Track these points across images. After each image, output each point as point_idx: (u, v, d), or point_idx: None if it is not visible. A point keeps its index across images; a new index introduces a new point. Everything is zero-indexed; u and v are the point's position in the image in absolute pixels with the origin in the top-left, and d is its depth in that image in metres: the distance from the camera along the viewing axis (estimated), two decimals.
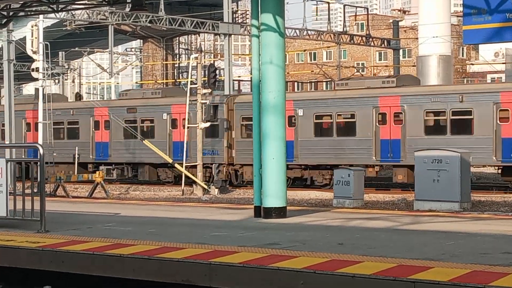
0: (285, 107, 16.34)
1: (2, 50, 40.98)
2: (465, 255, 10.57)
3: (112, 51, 51.67)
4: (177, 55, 79.62)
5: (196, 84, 38.15)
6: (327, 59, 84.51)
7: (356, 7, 67.87)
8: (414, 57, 65.55)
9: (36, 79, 39.43)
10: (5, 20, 22.74)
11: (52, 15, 39.48)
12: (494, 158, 31.60)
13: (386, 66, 78.17)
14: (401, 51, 64.80)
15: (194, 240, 12.37)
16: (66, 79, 64.07)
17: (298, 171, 36.48)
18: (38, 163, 14.22)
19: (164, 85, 69.57)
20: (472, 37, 17.98)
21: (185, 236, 12.92)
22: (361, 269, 9.46)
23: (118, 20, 47.32)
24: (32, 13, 24.97)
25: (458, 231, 13.57)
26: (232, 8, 55.06)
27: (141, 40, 77.66)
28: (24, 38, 38.09)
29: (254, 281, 9.88)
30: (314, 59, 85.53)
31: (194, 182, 36.31)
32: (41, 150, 14.03)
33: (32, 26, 36.06)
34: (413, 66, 64.83)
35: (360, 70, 76.53)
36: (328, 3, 55.69)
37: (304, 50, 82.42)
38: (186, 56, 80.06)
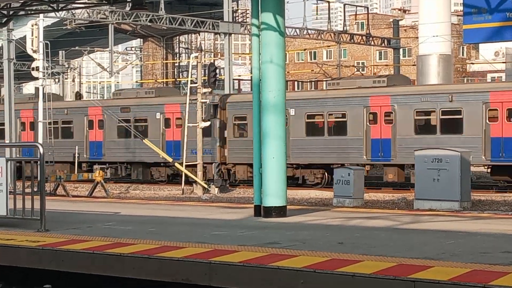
0: (285, 106, 16.34)
1: (2, 49, 40.98)
2: (465, 254, 10.57)
3: (112, 50, 51.69)
4: (177, 54, 79.62)
5: (196, 83, 38.17)
6: (327, 58, 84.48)
7: (356, 6, 67.88)
8: (414, 56, 65.49)
9: (36, 78, 39.44)
10: (5, 19, 22.74)
11: (52, 14, 39.51)
12: (483, 157, 31.73)
13: (386, 65, 78.14)
14: (401, 50, 64.80)
15: (194, 239, 12.36)
16: (66, 78, 64.06)
17: (290, 170, 36.55)
18: (38, 162, 14.21)
19: (164, 84, 69.63)
20: (472, 36, 17.97)
21: (185, 235, 12.92)
22: (361, 268, 9.45)
23: (118, 19, 47.32)
24: (32, 12, 24.99)
25: (458, 230, 13.57)
26: (232, 7, 55.04)
27: (141, 39, 77.67)
28: (24, 37, 38.12)
29: (254, 280, 9.88)
30: (314, 58, 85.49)
31: (193, 181, 36.34)
32: (41, 149, 14.03)
33: (32, 25, 36.08)
34: (413, 65, 64.76)
35: (361, 70, 76.49)
36: (328, 2, 55.66)
37: (304, 49, 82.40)
38: (186, 55, 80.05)
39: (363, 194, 26.78)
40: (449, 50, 49.71)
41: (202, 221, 15.98)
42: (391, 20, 77.49)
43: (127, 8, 45.59)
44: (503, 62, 72.65)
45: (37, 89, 39.33)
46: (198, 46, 50.02)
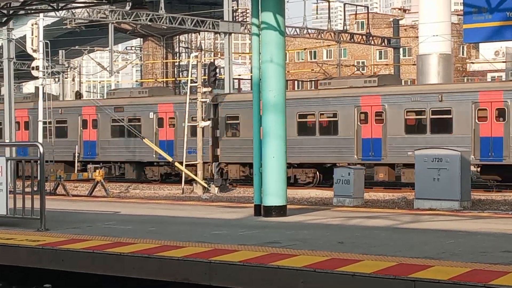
0: (285, 105, 16.34)
1: (2, 49, 40.94)
2: (465, 253, 10.56)
3: (112, 49, 51.66)
4: (177, 54, 79.61)
5: (196, 82, 38.21)
6: (327, 57, 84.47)
7: (357, 5, 67.88)
8: (414, 55, 65.47)
9: (36, 78, 39.44)
10: (5, 18, 22.73)
11: (52, 13, 39.46)
12: (473, 157, 31.81)
13: (387, 64, 78.12)
14: (401, 49, 64.79)
15: (194, 238, 12.36)
16: (66, 78, 64.03)
17: None
18: (38, 161, 14.21)
19: (164, 84, 69.65)
20: (473, 35, 17.95)
21: (185, 235, 12.92)
22: (361, 268, 9.45)
23: (118, 19, 47.31)
24: (32, 11, 24.95)
25: (458, 230, 13.57)
26: (233, 7, 55.03)
27: (141, 39, 77.66)
28: (24, 36, 38.09)
29: (254, 280, 9.87)
30: (314, 58, 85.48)
31: (191, 180, 36.48)
32: (41, 149, 14.02)
33: (32, 25, 36.06)
34: (413, 65, 64.78)
35: (361, 69, 76.48)
36: (329, 1, 55.65)
37: (304, 49, 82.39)
38: (186, 54, 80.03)
39: (363, 193, 26.79)
40: (449, 49, 49.70)
41: (202, 220, 15.97)
42: (391, 19, 77.48)
43: (127, 8, 45.62)
44: (503, 62, 72.64)
45: (37, 88, 39.33)
46: (198, 46, 49.98)
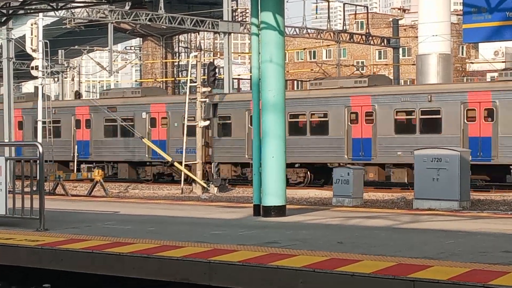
0: (284, 105, 16.33)
1: (2, 48, 40.94)
2: (464, 253, 10.56)
3: (112, 49, 51.66)
4: (177, 54, 79.56)
5: (195, 82, 38.22)
6: (326, 57, 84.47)
7: (356, 5, 67.85)
8: (414, 55, 65.49)
9: (36, 77, 39.44)
10: (4, 18, 22.72)
11: (52, 13, 39.44)
12: None
13: (386, 64, 78.13)
14: (400, 49, 64.75)
15: (193, 238, 12.36)
16: (65, 77, 64.00)
17: None
18: (38, 161, 14.21)
19: (164, 83, 69.63)
20: (472, 35, 17.96)
21: (185, 235, 12.91)
22: (360, 268, 9.45)
23: (118, 18, 47.30)
24: (32, 11, 24.96)
25: (457, 230, 13.57)
26: (232, 7, 55.04)
27: (141, 39, 77.59)
28: (24, 36, 38.10)
29: (253, 279, 9.87)
30: (314, 58, 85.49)
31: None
32: (40, 149, 14.03)
33: (31, 24, 36.08)
34: (413, 64, 64.76)
35: (360, 69, 76.48)
36: (328, 1, 55.66)
37: (304, 49, 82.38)
38: (186, 54, 79.99)
39: (363, 193, 26.80)
40: (449, 49, 49.71)
41: (202, 220, 15.97)
42: (391, 19, 77.50)
43: (127, 7, 45.64)
44: (502, 62, 72.66)
45: (36, 88, 39.32)
46: (197, 45, 50.00)
